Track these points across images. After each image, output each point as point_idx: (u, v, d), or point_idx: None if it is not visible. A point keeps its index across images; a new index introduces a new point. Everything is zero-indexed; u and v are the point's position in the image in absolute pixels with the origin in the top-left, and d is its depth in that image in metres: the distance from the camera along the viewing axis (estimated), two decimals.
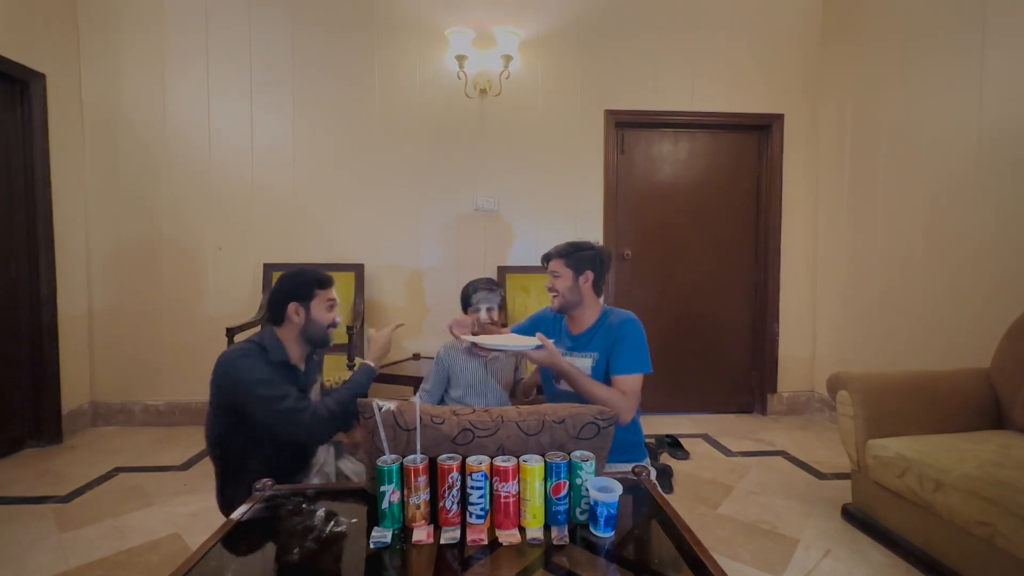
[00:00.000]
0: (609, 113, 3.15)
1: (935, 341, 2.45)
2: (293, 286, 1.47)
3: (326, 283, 1.50)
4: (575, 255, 1.61)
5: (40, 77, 2.66)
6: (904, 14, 2.63)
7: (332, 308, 1.50)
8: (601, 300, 1.67)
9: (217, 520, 1.11)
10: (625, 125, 3.20)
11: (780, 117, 3.21)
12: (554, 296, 1.63)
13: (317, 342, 1.50)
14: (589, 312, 1.63)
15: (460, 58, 2.93)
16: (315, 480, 1.53)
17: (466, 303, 1.87)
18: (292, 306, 1.45)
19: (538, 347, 1.45)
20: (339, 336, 2.88)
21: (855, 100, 2.96)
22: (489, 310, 1.83)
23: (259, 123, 3.03)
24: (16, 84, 2.59)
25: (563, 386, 1.62)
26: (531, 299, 3.00)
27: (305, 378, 1.53)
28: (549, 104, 3.14)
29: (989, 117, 2.21)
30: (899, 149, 2.67)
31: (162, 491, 2.22)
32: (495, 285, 1.89)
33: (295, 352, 1.49)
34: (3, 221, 2.58)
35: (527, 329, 1.80)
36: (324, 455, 1.59)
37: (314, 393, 1.58)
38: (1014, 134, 2.11)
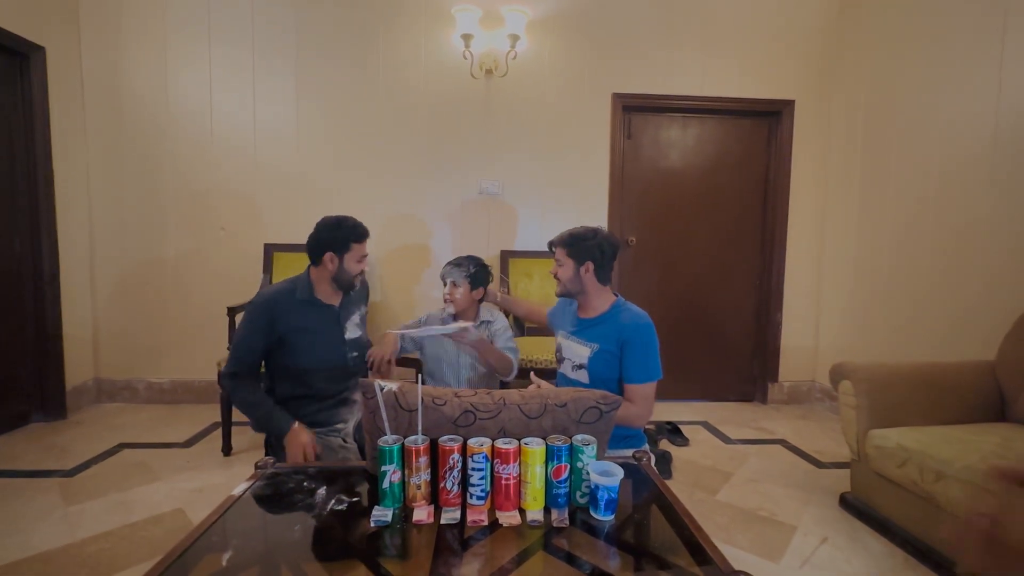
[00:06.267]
0: (617, 96, 3.10)
1: (940, 333, 2.43)
2: (331, 236, 1.63)
3: (361, 237, 1.67)
4: (577, 245, 1.60)
5: (40, 50, 2.62)
6: None
7: (362, 260, 1.67)
8: (608, 288, 1.65)
9: (219, 497, 1.12)
10: (633, 109, 3.15)
11: (791, 103, 3.15)
12: (557, 282, 1.65)
13: (344, 287, 1.68)
14: (596, 301, 1.63)
15: (466, 37, 2.87)
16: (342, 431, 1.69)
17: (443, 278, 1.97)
18: (328, 254, 1.62)
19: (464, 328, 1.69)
20: None
21: (869, 85, 2.90)
22: (454, 284, 1.91)
23: (262, 101, 2.99)
24: (16, 57, 2.56)
25: (571, 373, 1.62)
26: (534, 284, 2.99)
27: (341, 311, 1.72)
28: (556, 86, 3.09)
29: (1008, 103, 2.15)
30: (913, 136, 2.62)
31: (166, 467, 2.25)
32: (467, 261, 1.94)
33: (325, 291, 1.68)
34: (5, 197, 2.57)
35: (557, 310, 1.86)
36: (356, 413, 1.74)
37: (350, 328, 1.74)
38: None
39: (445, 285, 1.93)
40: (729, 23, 3.10)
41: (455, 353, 1.95)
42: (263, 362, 1.68)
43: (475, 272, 1.92)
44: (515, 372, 1.94)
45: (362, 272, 1.70)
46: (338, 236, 1.62)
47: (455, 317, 1.93)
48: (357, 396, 1.78)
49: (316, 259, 1.64)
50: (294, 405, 1.64)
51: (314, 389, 1.66)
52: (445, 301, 1.93)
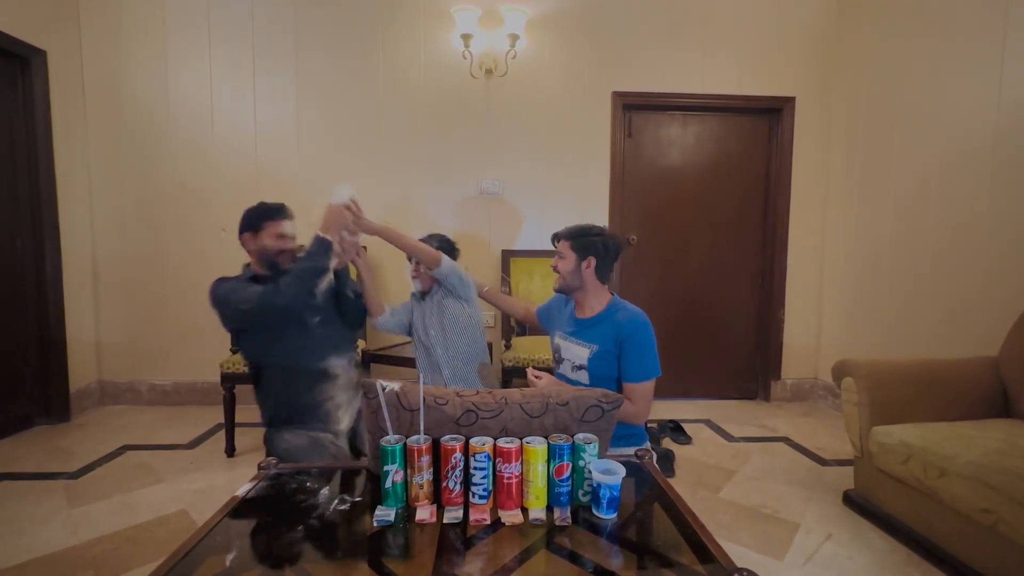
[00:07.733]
0: (617, 95, 3.10)
1: (943, 328, 2.43)
2: (247, 218, 1.72)
3: (274, 215, 1.70)
4: (581, 239, 1.60)
5: (41, 54, 2.63)
6: None
7: (281, 238, 1.69)
8: (606, 287, 1.65)
9: (223, 497, 1.12)
10: (633, 107, 3.15)
11: (791, 100, 3.15)
12: (557, 276, 1.65)
13: (270, 266, 1.70)
14: (593, 299, 1.63)
15: (466, 37, 2.87)
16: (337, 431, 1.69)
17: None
18: (245, 235, 1.71)
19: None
20: None
21: (870, 81, 2.89)
22: (417, 261, 1.91)
23: (262, 101, 3.00)
24: (17, 61, 2.57)
25: (571, 374, 1.62)
26: (535, 283, 2.99)
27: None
28: (555, 85, 3.09)
29: (1009, 99, 2.15)
30: (913, 133, 2.61)
31: (169, 469, 2.25)
32: (430, 238, 1.94)
33: (263, 271, 1.72)
34: (7, 199, 2.58)
35: (549, 308, 1.86)
36: (346, 416, 1.73)
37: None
38: None
39: (410, 263, 1.94)
40: (729, 20, 3.10)
41: (423, 322, 1.94)
42: (247, 359, 1.77)
43: (437, 247, 1.89)
44: (444, 266, 1.86)
45: (285, 250, 1.69)
46: (250, 217, 1.71)
47: (423, 296, 1.96)
48: (350, 398, 1.76)
49: (242, 243, 1.73)
50: (283, 393, 1.66)
51: (291, 349, 1.66)
52: (411, 278, 1.95)
